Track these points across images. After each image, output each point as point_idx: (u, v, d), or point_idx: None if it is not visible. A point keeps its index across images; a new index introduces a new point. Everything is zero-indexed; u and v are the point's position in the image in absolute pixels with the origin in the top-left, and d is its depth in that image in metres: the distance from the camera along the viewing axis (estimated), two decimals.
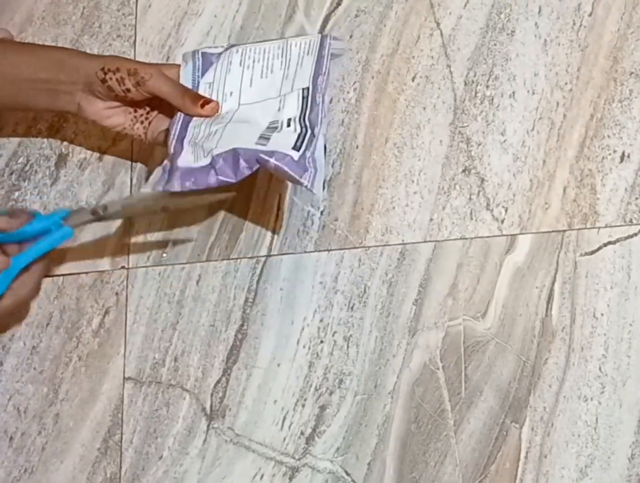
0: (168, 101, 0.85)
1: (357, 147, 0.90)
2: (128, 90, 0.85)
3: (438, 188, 0.87)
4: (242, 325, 0.89)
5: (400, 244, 0.86)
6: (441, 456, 0.81)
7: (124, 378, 0.91)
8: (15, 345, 0.94)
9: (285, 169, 0.78)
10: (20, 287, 0.82)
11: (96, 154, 0.98)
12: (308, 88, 0.85)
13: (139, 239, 0.94)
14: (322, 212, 0.89)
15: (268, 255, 0.90)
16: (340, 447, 0.83)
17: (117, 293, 0.93)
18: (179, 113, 0.86)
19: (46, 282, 0.95)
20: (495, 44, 0.89)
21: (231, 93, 0.87)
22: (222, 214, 0.92)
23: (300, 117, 0.83)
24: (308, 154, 0.80)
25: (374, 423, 0.83)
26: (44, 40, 1.02)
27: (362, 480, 0.82)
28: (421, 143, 0.89)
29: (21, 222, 0.82)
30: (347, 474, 0.83)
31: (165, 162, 0.83)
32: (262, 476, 0.85)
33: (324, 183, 0.89)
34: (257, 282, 0.90)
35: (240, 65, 0.88)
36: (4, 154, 1.01)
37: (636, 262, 0.80)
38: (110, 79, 0.85)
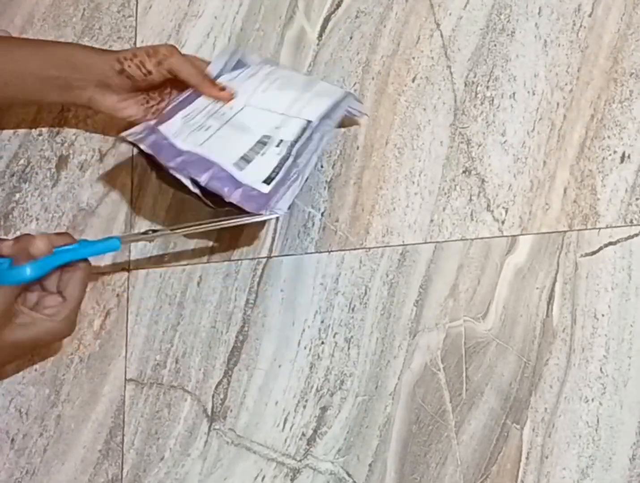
0: (185, 79, 0.87)
1: (357, 148, 0.90)
2: (149, 72, 0.86)
3: (438, 189, 0.87)
4: (243, 326, 0.89)
5: (400, 245, 0.86)
6: (442, 457, 0.81)
7: (126, 379, 0.91)
8: None
9: (245, 205, 0.79)
10: (70, 289, 0.79)
11: (97, 156, 0.99)
12: (312, 123, 0.85)
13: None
14: (322, 214, 0.89)
15: (269, 257, 0.90)
16: (341, 448, 0.83)
17: (118, 295, 0.93)
18: (188, 90, 0.87)
19: None
20: (495, 45, 0.89)
21: (244, 92, 0.88)
22: (222, 216, 0.92)
23: (291, 143, 0.83)
24: (281, 184, 0.80)
25: (375, 425, 0.83)
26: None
27: (363, 481, 0.82)
28: (421, 144, 0.89)
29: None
30: (349, 475, 0.83)
31: (152, 122, 0.85)
32: (263, 477, 0.85)
33: (327, 183, 0.89)
34: (258, 283, 0.90)
35: (265, 75, 0.89)
36: (4, 155, 1.01)
37: (637, 263, 0.80)
38: (129, 66, 0.85)
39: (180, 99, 0.87)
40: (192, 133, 0.83)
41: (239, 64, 0.91)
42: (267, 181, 0.80)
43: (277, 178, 0.81)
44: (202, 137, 0.83)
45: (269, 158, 0.82)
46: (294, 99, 0.86)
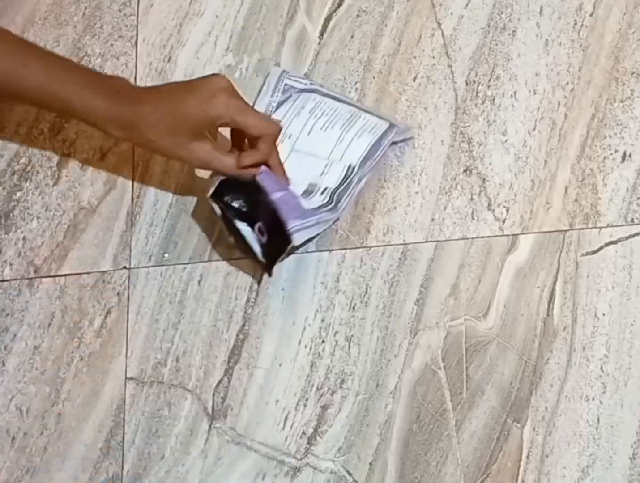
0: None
1: None
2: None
3: (439, 188, 0.87)
4: (243, 325, 0.89)
5: (401, 244, 0.86)
6: (443, 456, 0.81)
7: (126, 378, 0.91)
8: (17, 346, 0.94)
9: (281, 207, 0.82)
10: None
11: (98, 154, 0.99)
12: (354, 168, 0.86)
13: (140, 239, 0.94)
14: None
15: None
16: (342, 447, 0.83)
17: (118, 294, 0.93)
18: None
19: (47, 282, 0.95)
20: (496, 44, 0.89)
21: (290, 136, 0.89)
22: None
23: (334, 190, 0.86)
24: (315, 214, 0.84)
25: (375, 423, 0.83)
26: (46, 40, 1.03)
27: (363, 480, 0.82)
28: (422, 143, 0.89)
29: None
30: (349, 474, 0.83)
31: None
32: (263, 476, 0.85)
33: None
34: (259, 282, 0.90)
35: (310, 112, 0.90)
36: (5, 154, 1.01)
37: (638, 262, 0.80)
38: None
39: None
40: None
41: (285, 94, 0.92)
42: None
43: (311, 211, 0.84)
44: None
45: (313, 201, 0.85)
46: (337, 141, 0.88)
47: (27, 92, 0.86)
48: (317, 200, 0.86)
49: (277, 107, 0.91)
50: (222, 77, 0.83)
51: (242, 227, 0.84)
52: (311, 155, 0.88)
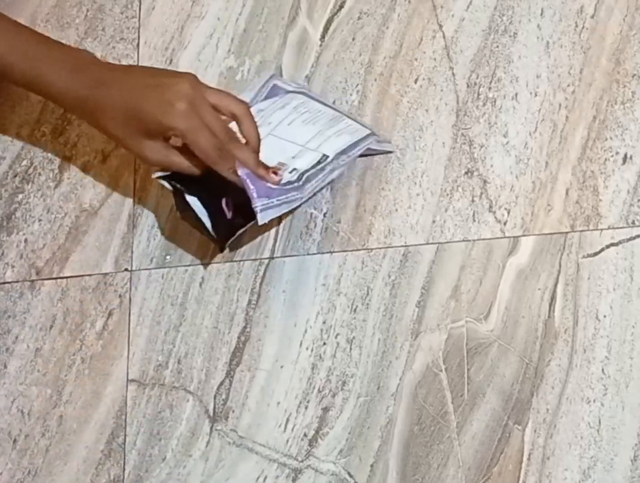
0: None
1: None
2: None
3: (441, 190, 0.87)
4: (245, 327, 0.89)
5: (402, 246, 0.86)
6: (444, 458, 0.81)
7: (128, 380, 0.91)
8: (19, 348, 0.94)
9: (248, 183, 0.82)
10: None
11: (99, 157, 0.99)
12: (328, 157, 0.86)
13: (142, 241, 0.94)
14: (324, 214, 0.90)
15: (271, 258, 0.90)
16: (343, 449, 0.83)
17: (120, 296, 0.93)
18: None
19: (49, 285, 0.95)
20: (497, 46, 0.89)
21: (270, 123, 0.89)
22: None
23: (303, 171, 0.86)
24: (282, 193, 0.83)
25: (376, 425, 0.83)
26: None
27: (364, 482, 0.82)
28: (424, 145, 0.89)
29: None
30: (350, 476, 0.83)
31: None
32: (265, 478, 0.85)
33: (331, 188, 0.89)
34: (260, 284, 0.90)
35: (294, 108, 0.90)
36: (7, 156, 1.01)
37: (639, 264, 0.80)
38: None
39: None
40: None
41: (273, 92, 0.92)
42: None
43: (279, 190, 0.83)
44: None
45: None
46: (316, 134, 0.88)
47: None
48: (285, 176, 0.85)
49: (263, 100, 0.91)
50: (186, 81, 0.81)
51: (193, 201, 0.83)
52: (288, 141, 0.88)
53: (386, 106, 0.91)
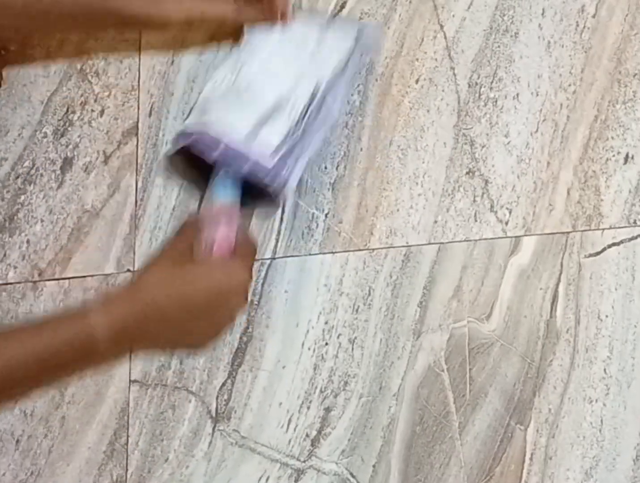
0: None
1: (361, 149, 0.90)
2: None
3: (442, 190, 0.87)
4: (247, 327, 0.89)
5: (404, 246, 0.86)
6: (446, 458, 0.81)
7: (130, 381, 0.91)
8: None
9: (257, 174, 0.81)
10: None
11: (101, 157, 0.99)
12: (320, 86, 0.85)
13: (144, 242, 0.94)
14: (326, 215, 0.90)
15: (273, 258, 0.90)
16: (345, 449, 0.83)
17: None
18: None
19: (51, 286, 0.95)
20: (498, 46, 0.89)
21: (261, 58, 0.88)
22: None
23: (302, 111, 0.84)
24: (288, 155, 0.82)
25: (379, 425, 0.83)
26: (49, 44, 1.03)
27: (367, 482, 0.82)
28: (425, 145, 0.89)
29: None
30: (352, 476, 0.83)
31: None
32: (267, 478, 0.85)
33: (330, 185, 0.89)
34: (262, 284, 0.90)
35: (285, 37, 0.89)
36: (9, 157, 1.01)
37: None
38: None
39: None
40: (206, 106, 0.87)
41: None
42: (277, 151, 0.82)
43: (283, 149, 0.82)
44: (214, 112, 0.84)
45: (278, 125, 0.83)
46: (307, 61, 0.87)
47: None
48: (282, 121, 0.83)
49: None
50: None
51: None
52: (278, 73, 0.87)
53: (387, 106, 0.91)
